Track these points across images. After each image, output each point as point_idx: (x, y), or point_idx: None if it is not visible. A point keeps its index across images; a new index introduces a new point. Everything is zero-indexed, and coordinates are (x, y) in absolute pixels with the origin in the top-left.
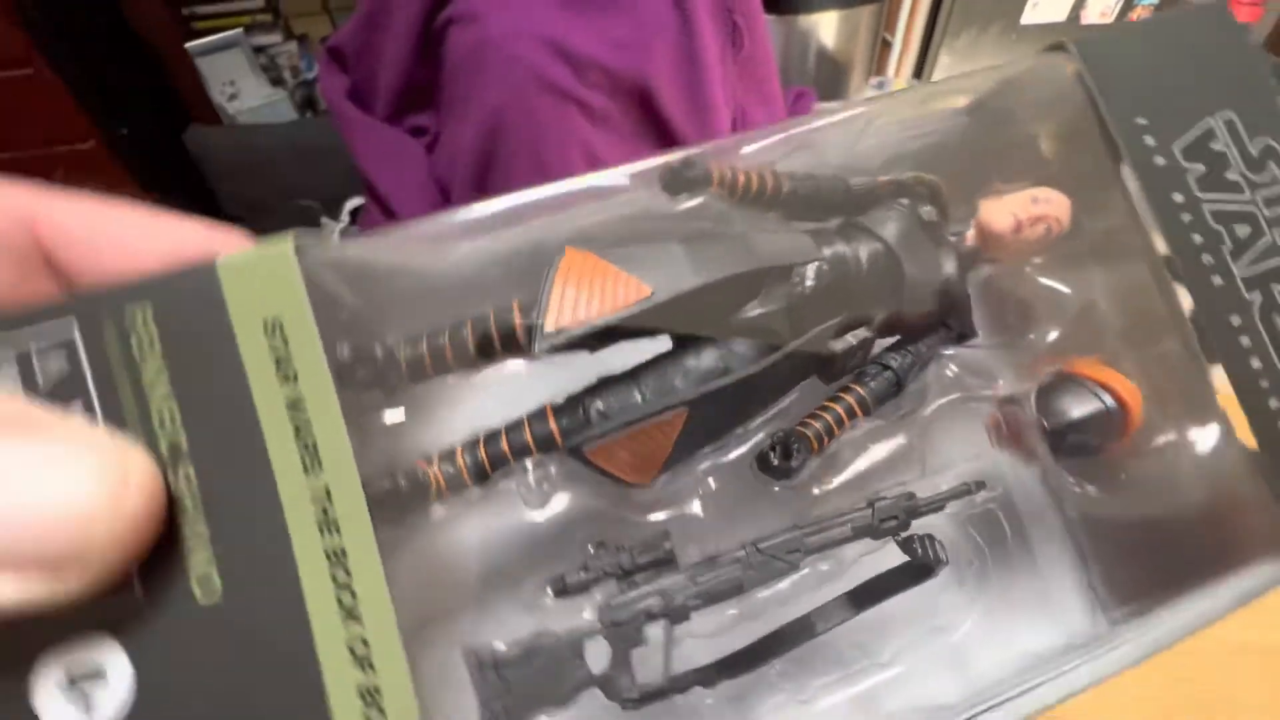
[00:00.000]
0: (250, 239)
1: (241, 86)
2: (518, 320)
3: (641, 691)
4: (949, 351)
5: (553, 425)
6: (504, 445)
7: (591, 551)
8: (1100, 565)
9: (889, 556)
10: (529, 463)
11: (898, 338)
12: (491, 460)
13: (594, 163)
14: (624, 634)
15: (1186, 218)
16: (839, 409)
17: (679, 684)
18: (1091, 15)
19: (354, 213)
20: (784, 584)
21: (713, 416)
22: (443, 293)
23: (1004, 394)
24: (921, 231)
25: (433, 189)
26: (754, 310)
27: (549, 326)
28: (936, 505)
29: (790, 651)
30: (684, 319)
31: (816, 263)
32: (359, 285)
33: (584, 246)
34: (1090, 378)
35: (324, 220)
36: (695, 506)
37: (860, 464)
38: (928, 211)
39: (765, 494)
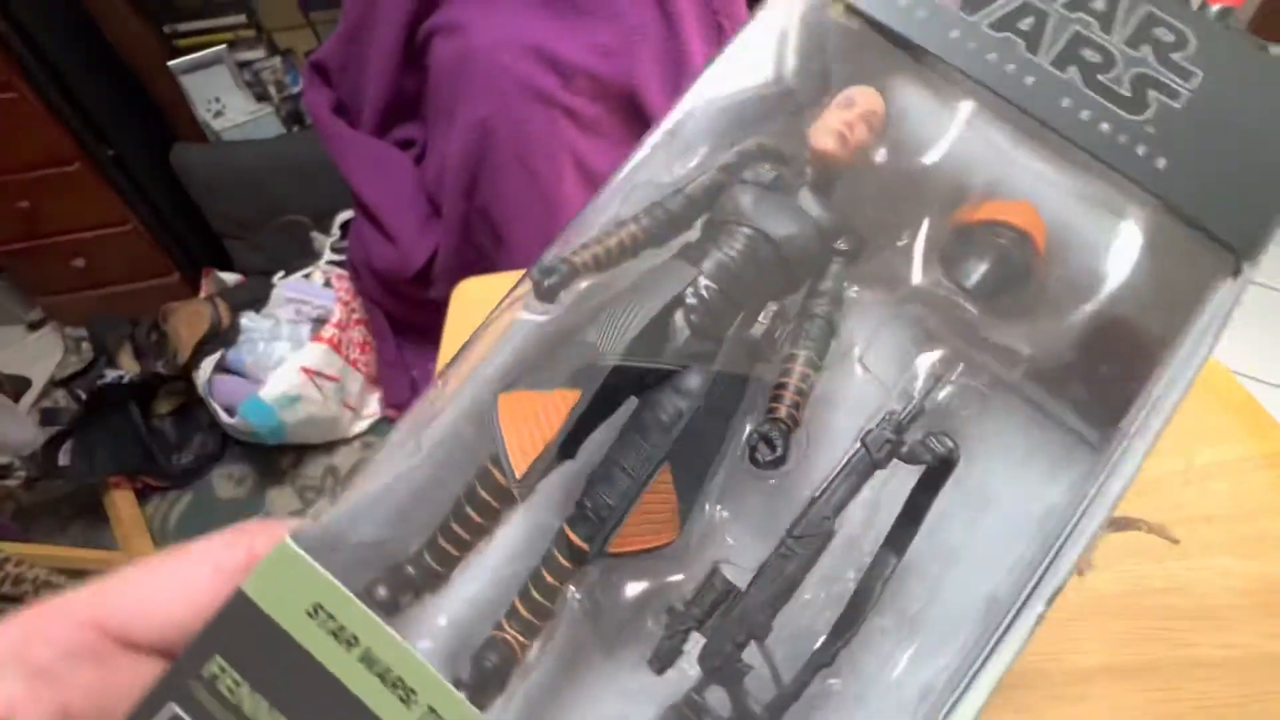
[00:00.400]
0: (271, 527)
1: (227, 103)
2: (499, 479)
3: (771, 708)
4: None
5: (575, 539)
6: (548, 578)
7: (666, 619)
8: (1066, 400)
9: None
10: (573, 588)
11: (806, 288)
12: (546, 596)
13: (583, 169)
14: (729, 672)
15: (972, 45)
16: (793, 378)
17: (800, 681)
18: None
19: (344, 226)
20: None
21: (695, 452)
22: (433, 486)
23: (917, 282)
24: (770, 192)
25: (422, 201)
26: (674, 346)
27: (519, 471)
28: (917, 410)
29: (870, 609)
30: (621, 388)
31: (695, 281)
32: (364, 522)
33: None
34: (981, 221)
35: (314, 234)
36: (726, 536)
37: (840, 419)
38: (764, 171)
39: (773, 490)
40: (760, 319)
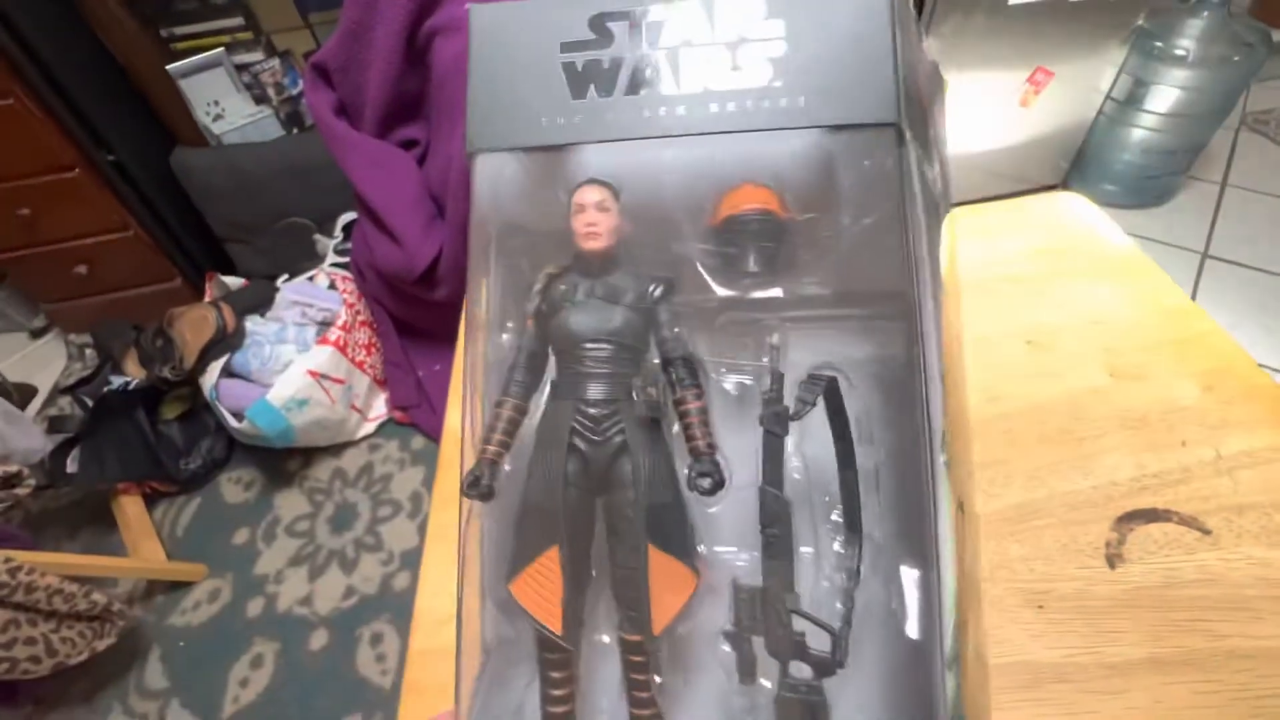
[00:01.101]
0: None
1: (226, 106)
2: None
3: (836, 648)
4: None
5: (632, 638)
6: (636, 679)
7: (727, 643)
8: (867, 301)
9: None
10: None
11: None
12: (642, 702)
13: None
14: (794, 647)
15: (626, 118)
16: (693, 416)
17: (846, 611)
18: None
19: (347, 228)
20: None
21: (662, 518)
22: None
23: (721, 296)
24: (580, 303)
25: (426, 201)
26: (595, 459)
27: (560, 630)
28: (777, 379)
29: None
30: (580, 512)
31: (576, 409)
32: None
33: None
34: (725, 219)
35: (317, 237)
36: (739, 558)
37: (740, 422)
38: (566, 292)
39: (731, 502)
40: (635, 395)
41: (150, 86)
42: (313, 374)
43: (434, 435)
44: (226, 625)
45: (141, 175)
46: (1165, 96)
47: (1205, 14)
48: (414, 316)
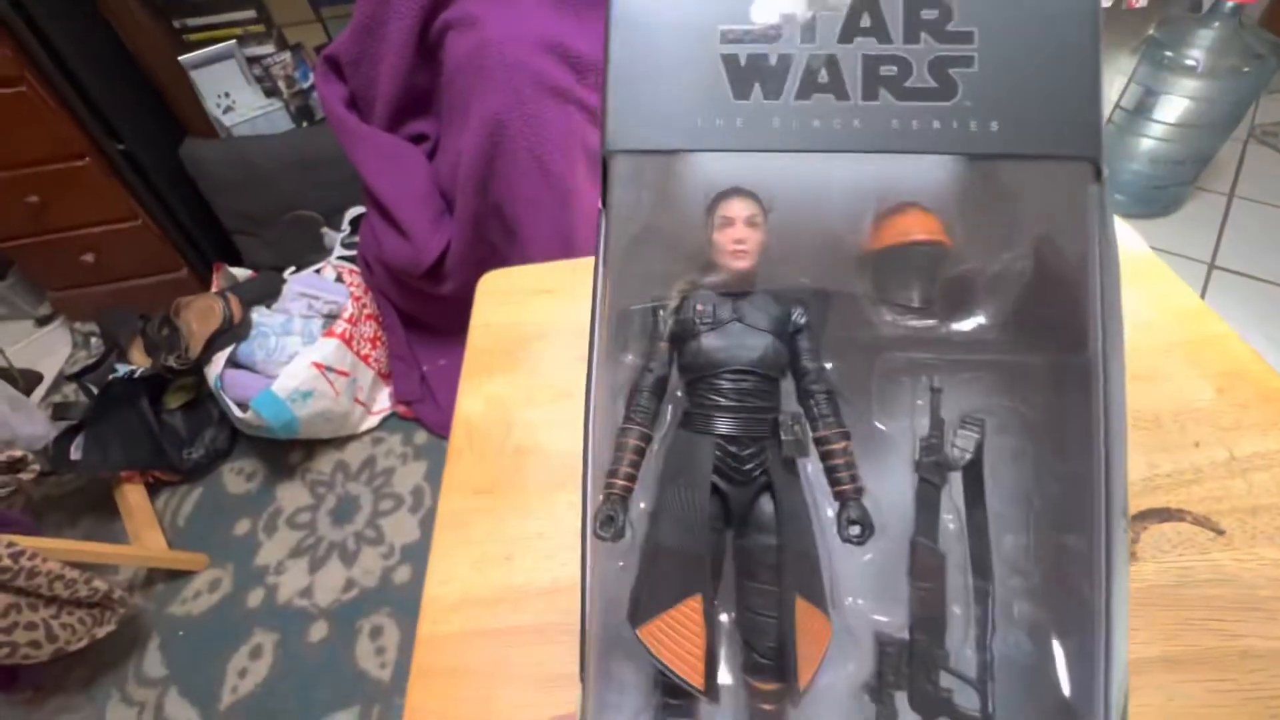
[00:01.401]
0: None
1: (236, 98)
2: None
3: (988, 702)
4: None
5: (765, 687)
6: None
7: (868, 696)
8: (1034, 346)
9: None
10: None
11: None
12: None
13: (596, 163)
14: (939, 704)
15: (795, 124)
16: (837, 456)
17: (984, 670)
18: None
19: (355, 221)
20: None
21: (800, 565)
22: None
23: (876, 330)
24: (718, 326)
25: (435, 196)
26: (734, 501)
27: (700, 684)
28: (936, 423)
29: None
30: (716, 556)
31: (715, 444)
32: None
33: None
34: (890, 245)
35: (324, 230)
36: (879, 610)
37: (887, 467)
38: (702, 313)
39: (869, 549)
40: (784, 434)
41: (162, 77)
42: (318, 366)
43: (437, 430)
44: (226, 615)
45: (151, 165)
46: (1174, 106)
47: (1217, 24)
48: (420, 311)
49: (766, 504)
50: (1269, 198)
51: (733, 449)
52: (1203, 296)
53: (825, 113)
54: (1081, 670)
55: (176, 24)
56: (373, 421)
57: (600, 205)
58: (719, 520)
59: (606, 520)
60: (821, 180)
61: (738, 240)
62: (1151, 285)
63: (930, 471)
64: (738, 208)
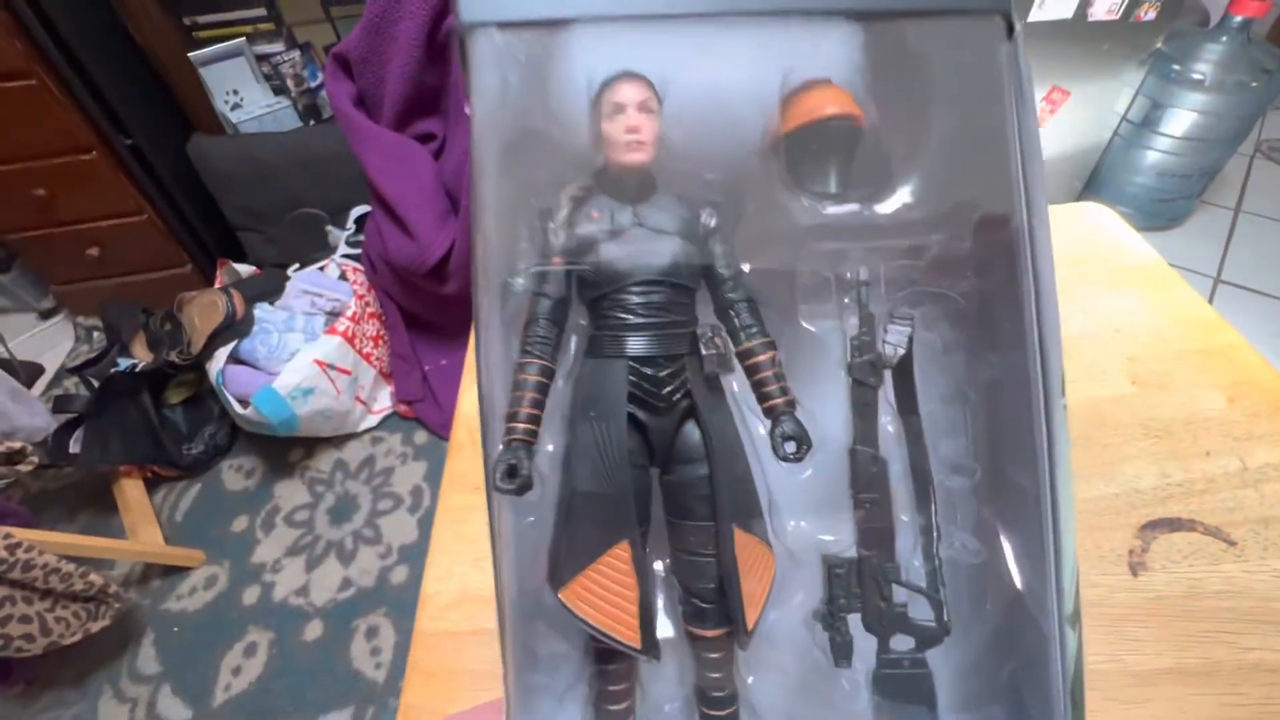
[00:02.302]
0: None
1: (245, 95)
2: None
3: (937, 616)
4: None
5: (710, 634)
6: (712, 677)
7: (820, 625)
8: (955, 219)
9: None
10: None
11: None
12: (720, 701)
13: None
14: (895, 620)
15: None
16: (765, 368)
17: (933, 574)
18: (1098, 12)
19: (359, 220)
20: None
21: (737, 492)
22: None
23: (791, 222)
24: (616, 233)
25: (441, 195)
26: (654, 429)
27: (637, 643)
28: (866, 318)
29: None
30: (640, 493)
31: (628, 369)
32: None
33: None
34: (801, 125)
35: (329, 228)
36: (822, 530)
37: (818, 369)
38: (597, 220)
39: (807, 464)
40: (704, 348)
41: (171, 73)
42: (319, 363)
43: (438, 430)
44: (222, 612)
45: (158, 160)
46: (1181, 120)
47: (1224, 39)
48: (423, 310)
49: (692, 430)
50: (1275, 212)
51: (648, 371)
52: None
53: None
54: (1031, 563)
55: (187, 21)
56: (373, 420)
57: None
58: (640, 455)
59: (509, 471)
60: (718, 58)
61: (631, 129)
62: (1163, 293)
63: (864, 372)
64: (628, 92)
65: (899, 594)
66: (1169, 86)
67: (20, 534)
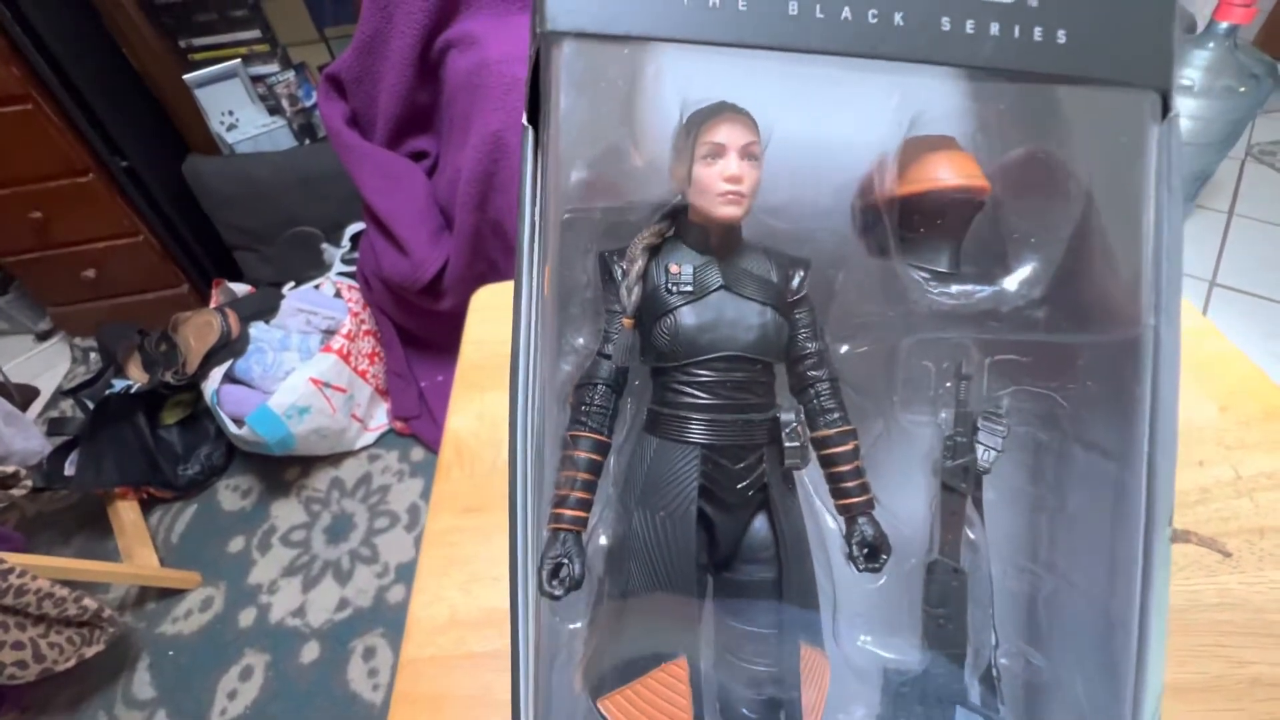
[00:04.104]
0: None
1: (240, 116)
2: None
3: None
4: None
5: None
6: None
7: None
8: (1083, 308)
9: None
10: None
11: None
12: None
13: None
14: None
15: (821, 13)
16: (843, 462)
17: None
18: None
19: (355, 238)
20: None
21: (802, 593)
22: None
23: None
24: (697, 296)
25: (434, 212)
26: (722, 527)
27: None
28: (967, 421)
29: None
30: (697, 595)
31: (699, 458)
32: None
33: None
34: (919, 193)
35: (324, 246)
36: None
37: (908, 467)
38: (677, 276)
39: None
40: (786, 439)
41: (166, 95)
42: (315, 382)
43: (435, 447)
44: (217, 635)
45: (154, 182)
46: None
47: (1211, 45)
48: (418, 327)
49: (761, 527)
50: (1268, 216)
51: (724, 462)
52: (1204, 314)
53: (854, 1)
54: (1105, 686)
55: (183, 43)
56: (369, 438)
57: (526, 124)
58: (703, 553)
59: (555, 570)
60: (833, 96)
61: (731, 179)
62: None
63: (956, 477)
64: (731, 134)
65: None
66: None
67: (13, 559)
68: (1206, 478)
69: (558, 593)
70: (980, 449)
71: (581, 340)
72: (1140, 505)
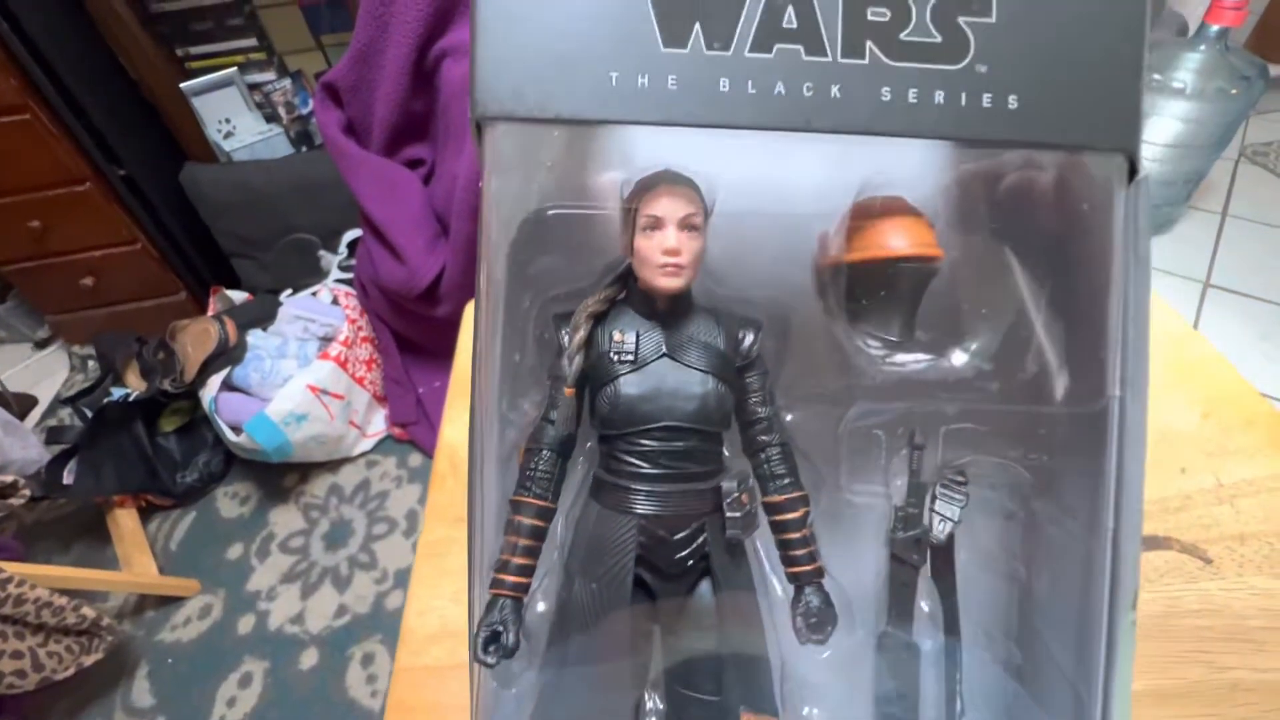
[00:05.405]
0: None
1: (237, 124)
2: None
3: None
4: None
5: None
6: None
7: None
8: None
9: None
10: None
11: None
12: None
13: None
14: None
15: (751, 89)
16: (792, 530)
17: None
18: None
19: (352, 245)
20: None
21: (751, 671)
22: None
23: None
24: (638, 364)
25: (431, 220)
26: (665, 595)
27: None
28: (918, 492)
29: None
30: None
31: (635, 528)
32: None
33: None
34: (869, 260)
35: (322, 253)
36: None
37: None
38: (619, 344)
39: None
40: (727, 509)
41: (163, 103)
42: (312, 389)
43: (432, 453)
44: (216, 642)
45: (151, 190)
46: (1164, 128)
47: (1203, 48)
48: (415, 333)
49: (704, 593)
50: (1262, 216)
51: (661, 533)
52: (1198, 314)
53: (791, 72)
54: None
55: (180, 52)
56: (367, 444)
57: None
58: (643, 619)
59: (491, 638)
60: (781, 166)
61: (669, 251)
62: None
63: (906, 549)
64: (669, 205)
65: None
66: (1150, 96)
67: (12, 568)
68: (1188, 484)
69: (490, 661)
70: (936, 519)
71: (525, 406)
72: (1104, 586)
